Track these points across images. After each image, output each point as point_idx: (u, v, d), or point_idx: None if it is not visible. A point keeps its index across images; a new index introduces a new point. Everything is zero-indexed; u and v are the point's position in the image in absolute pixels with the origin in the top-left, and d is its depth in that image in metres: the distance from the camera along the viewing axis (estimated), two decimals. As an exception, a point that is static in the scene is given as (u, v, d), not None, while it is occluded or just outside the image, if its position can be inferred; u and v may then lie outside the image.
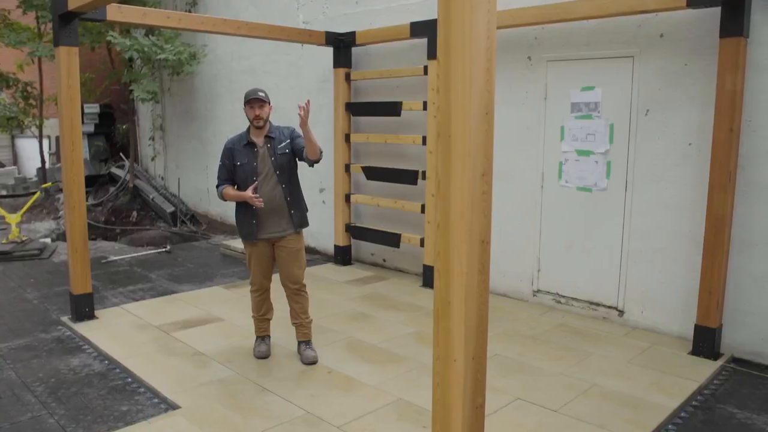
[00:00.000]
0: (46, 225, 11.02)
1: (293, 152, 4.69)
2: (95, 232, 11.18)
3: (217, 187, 4.71)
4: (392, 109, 6.96)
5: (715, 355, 4.88)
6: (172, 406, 4.14)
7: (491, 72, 2.27)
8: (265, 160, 4.61)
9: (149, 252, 8.90)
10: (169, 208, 11.12)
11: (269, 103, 4.64)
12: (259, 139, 4.64)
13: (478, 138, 2.28)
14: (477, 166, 2.30)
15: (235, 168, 4.62)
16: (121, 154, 13.25)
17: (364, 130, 7.66)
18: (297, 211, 4.69)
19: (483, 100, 2.28)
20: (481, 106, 2.27)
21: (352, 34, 7.31)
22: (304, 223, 4.76)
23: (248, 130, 4.69)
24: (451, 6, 2.26)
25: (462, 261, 2.32)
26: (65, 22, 5.33)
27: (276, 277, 4.86)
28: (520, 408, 4.06)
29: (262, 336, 4.98)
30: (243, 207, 4.64)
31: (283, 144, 4.67)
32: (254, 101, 4.55)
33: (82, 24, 9.67)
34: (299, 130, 4.56)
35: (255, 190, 4.50)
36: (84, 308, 5.74)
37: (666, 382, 4.44)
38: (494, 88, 2.34)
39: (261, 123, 4.57)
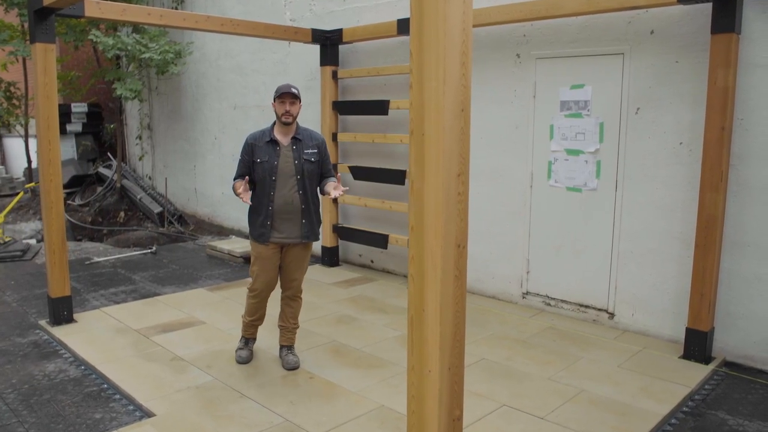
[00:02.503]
0: (31, 226, 10.86)
1: (319, 167, 4.51)
2: (82, 232, 11.04)
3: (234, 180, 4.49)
4: (380, 107, 6.84)
5: (706, 359, 4.77)
6: (146, 414, 4.01)
7: (467, 66, 2.14)
8: (287, 161, 4.38)
9: (134, 253, 8.76)
10: (157, 209, 10.98)
11: (300, 101, 4.40)
12: (284, 138, 4.41)
13: (453, 136, 2.15)
14: (452, 166, 2.18)
15: (254, 165, 4.39)
16: (108, 153, 13.10)
17: (352, 129, 7.54)
18: (308, 222, 4.48)
19: (458, 97, 2.15)
20: (456, 103, 2.14)
21: (339, 31, 7.18)
22: (312, 236, 4.53)
23: (272, 126, 4.46)
24: (425, -4, 2.13)
25: (437, 266, 2.19)
26: (41, 18, 5.18)
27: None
28: (506, 415, 3.94)
29: (247, 338, 4.83)
30: (258, 207, 4.42)
31: (311, 151, 4.44)
32: (286, 96, 4.30)
33: (65, 22, 9.57)
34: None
35: (247, 185, 4.28)
36: (62, 311, 5.59)
37: (656, 388, 4.33)
38: (470, 84, 2.21)
39: (290, 120, 4.34)
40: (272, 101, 4.40)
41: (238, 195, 4.28)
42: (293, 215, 4.41)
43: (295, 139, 4.42)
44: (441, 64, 2.08)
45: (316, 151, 4.46)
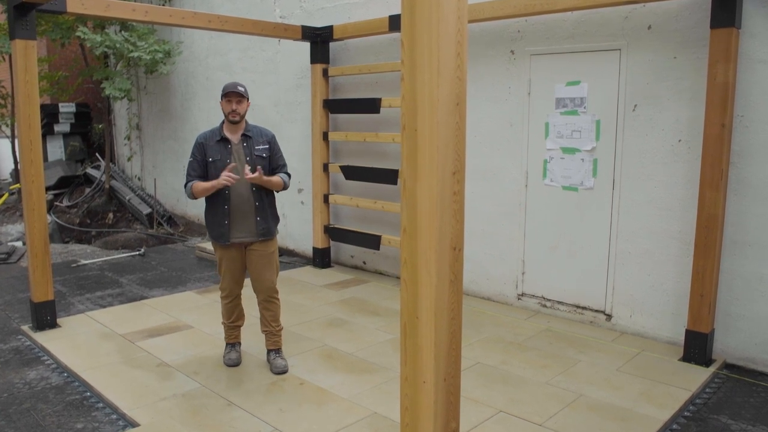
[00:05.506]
0: (18, 228, 10.65)
1: (271, 163, 4.47)
2: (70, 234, 10.84)
3: (186, 184, 4.42)
4: (371, 105, 6.70)
5: (706, 361, 4.66)
6: (130, 423, 3.86)
7: (462, 57, 2.00)
8: (240, 158, 4.36)
9: (122, 255, 8.58)
10: (146, 210, 10.80)
11: (248, 100, 4.38)
12: (234, 136, 4.39)
13: (447, 132, 2.02)
14: (447, 163, 2.04)
15: (207, 164, 4.35)
16: (97, 154, 12.91)
17: (343, 128, 7.40)
18: (262, 219, 4.42)
19: (453, 89, 2.01)
20: (451, 96, 2.01)
21: (330, 28, 7.04)
22: (268, 233, 4.46)
23: (222, 125, 4.43)
24: (417, -17, 1.99)
25: (431, 270, 2.06)
26: (21, 13, 5.02)
27: (247, 283, 4.61)
28: (503, 422, 3.81)
29: (233, 343, 4.73)
30: (214, 207, 4.38)
31: (262, 147, 4.43)
32: (232, 95, 4.29)
33: (52, 19, 9.37)
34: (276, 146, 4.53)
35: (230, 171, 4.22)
36: (45, 316, 5.43)
37: (656, 392, 4.21)
38: (466, 76, 2.08)
39: (237, 118, 4.32)
40: (220, 100, 4.40)
41: (219, 185, 4.20)
42: (248, 212, 4.39)
43: (245, 136, 4.42)
44: (435, 55, 1.94)
45: (267, 146, 4.46)
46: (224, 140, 4.37)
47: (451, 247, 2.10)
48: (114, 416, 3.98)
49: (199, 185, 4.32)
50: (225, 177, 4.15)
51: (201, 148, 4.37)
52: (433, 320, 2.08)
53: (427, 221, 2.04)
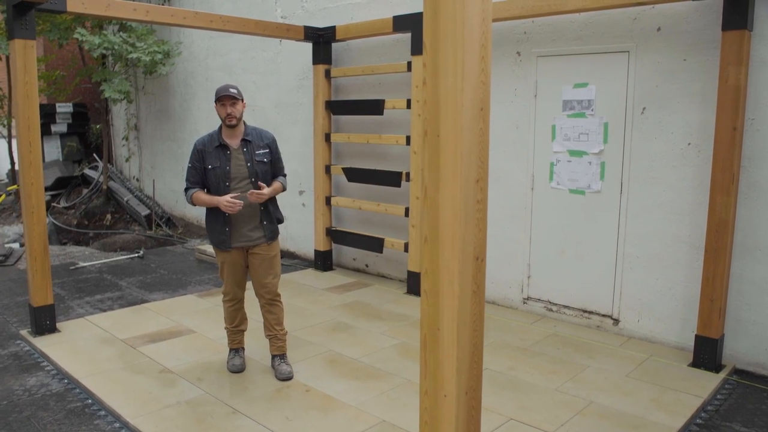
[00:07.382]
0: (15, 229, 10.54)
1: (272, 166, 4.39)
2: (67, 236, 10.75)
3: (186, 190, 4.32)
4: (374, 107, 6.63)
5: (716, 367, 4.60)
6: (133, 432, 3.79)
7: (487, 61, 1.93)
8: (240, 164, 4.24)
9: (121, 257, 8.49)
10: (144, 211, 10.71)
11: (242, 100, 4.24)
12: (233, 141, 4.26)
13: (471, 138, 1.95)
14: (470, 170, 1.97)
15: (206, 171, 4.24)
16: (94, 154, 12.80)
17: (345, 130, 7.33)
18: (269, 223, 4.36)
19: (477, 94, 1.94)
20: (475, 101, 1.94)
21: (332, 28, 6.96)
22: (274, 235, 4.42)
23: (220, 130, 4.30)
24: (440, -16, 1.92)
25: (453, 281, 1.99)
26: (20, 12, 4.93)
27: (248, 286, 4.54)
28: (513, 430, 3.75)
29: (236, 348, 4.66)
30: (215, 213, 4.28)
31: (263, 151, 4.32)
32: (225, 98, 4.16)
33: (49, 19, 9.28)
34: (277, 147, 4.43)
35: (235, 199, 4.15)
36: (44, 321, 5.34)
37: (667, 398, 4.15)
38: (490, 80, 2.01)
39: (234, 122, 4.19)
40: (213, 104, 4.28)
41: (220, 206, 4.14)
42: (252, 218, 4.30)
43: (244, 141, 4.28)
44: (459, 58, 1.87)
45: (267, 150, 4.35)
46: (223, 146, 4.24)
47: (474, 256, 2.04)
48: (117, 425, 3.90)
49: (201, 197, 4.23)
50: (228, 203, 4.08)
51: (199, 155, 4.25)
52: (455, 332, 2.01)
53: (450, 230, 1.97)
